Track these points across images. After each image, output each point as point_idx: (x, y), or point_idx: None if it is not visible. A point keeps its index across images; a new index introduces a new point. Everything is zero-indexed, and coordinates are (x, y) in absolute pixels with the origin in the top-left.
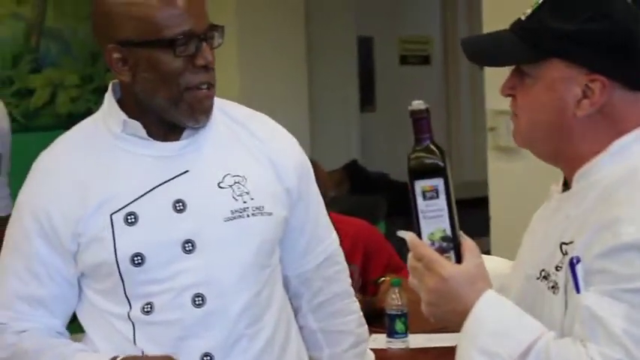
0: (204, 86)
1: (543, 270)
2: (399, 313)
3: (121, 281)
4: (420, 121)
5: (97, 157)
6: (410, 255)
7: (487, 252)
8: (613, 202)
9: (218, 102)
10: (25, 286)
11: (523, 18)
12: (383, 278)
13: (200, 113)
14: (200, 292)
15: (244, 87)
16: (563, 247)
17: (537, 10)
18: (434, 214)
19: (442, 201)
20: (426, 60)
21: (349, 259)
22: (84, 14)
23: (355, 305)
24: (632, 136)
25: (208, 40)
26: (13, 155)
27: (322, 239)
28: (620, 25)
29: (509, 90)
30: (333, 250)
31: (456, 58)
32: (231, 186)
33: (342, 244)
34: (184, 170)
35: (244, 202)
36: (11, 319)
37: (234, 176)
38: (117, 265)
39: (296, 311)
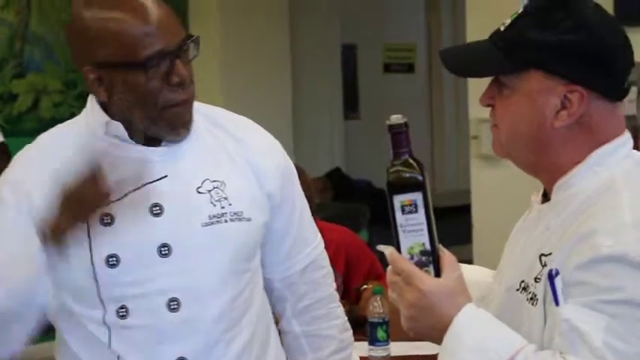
0: (182, 102)
1: (523, 281)
2: (381, 320)
3: (95, 282)
4: (398, 135)
5: (77, 156)
6: (389, 269)
7: (469, 260)
8: (591, 214)
9: (201, 107)
10: None
11: (502, 28)
12: (365, 286)
13: (180, 127)
14: (175, 296)
15: (227, 94)
16: (543, 258)
17: (516, 21)
18: (413, 229)
19: (421, 215)
20: (409, 68)
21: (332, 267)
22: (68, 20)
23: (340, 310)
24: (611, 147)
25: (182, 55)
26: None
27: (307, 243)
28: (598, 37)
29: (488, 100)
30: (319, 254)
31: (440, 67)
32: (209, 191)
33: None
34: (163, 175)
35: (222, 208)
36: None
37: (213, 181)
38: (92, 264)
39: (280, 316)
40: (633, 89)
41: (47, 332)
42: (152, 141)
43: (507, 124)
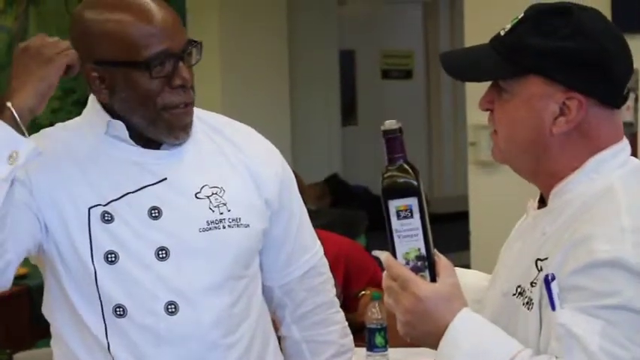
0: (182, 105)
1: (519, 286)
2: (379, 327)
3: (94, 277)
4: (393, 140)
5: (80, 154)
6: (385, 274)
7: (467, 267)
8: (588, 219)
9: (200, 113)
10: None
11: (502, 33)
12: (363, 292)
13: (179, 131)
14: (173, 300)
15: (225, 100)
16: (539, 263)
17: (516, 26)
18: (408, 234)
19: (416, 220)
20: (407, 74)
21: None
22: (66, 26)
23: (339, 315)
24: (608, 154)
25: (185, 59)
26: None
27: (306, 249)
28: (597, 44)
29: (487, 104)
30: (318, 261)
31: (438, 73)
32: (208, 197)
33: None
34: (163, 178)
35: (221, 214)
36: None
37: (212, 187)
38: (91, 258)
39: (279, 322)
40: (631, 96)
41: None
42: (152, 144)
43: (506, 129)
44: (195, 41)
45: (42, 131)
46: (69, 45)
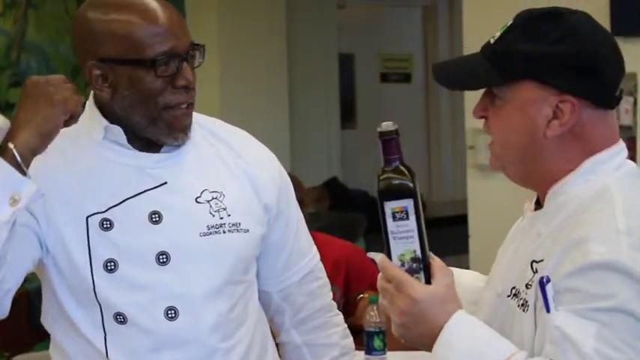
0: (183, 106)
1: (514, 288)
2: (378, 330)
3: (92, 286)
4: (389, 141)
5: (76, 162)
6: (380, 276)
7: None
8: (583, 221)
9: (199, 117)
10: None
11: (492, 41)
12: (362, 295)
13: (179, 131)
14: (173, 305)
15: (224, 103)
16: (534, 265)
17: (506, 33)
18: (404, 235)
19: (412, 222)
20: (406, 78)
21: (331, 281)
22: (65, 29)
23: (338, 318)
24: (604, 156)
25: (189, 60)
26: None
27: (304, 254)
28: (587, 46)
29: (482, 112)
30: (315, 265)
31: None
32: (208, 201)
33: (323, 265)
34: (163, 182)
35: (221, 218)
36: None
37: (212, 192)
38: (90, 267)
39: (279, 328)
40: (629, 99)
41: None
42: (151, 148)
43: (500, 135)
44: (198, 44)
45: None
46: (76, 89)
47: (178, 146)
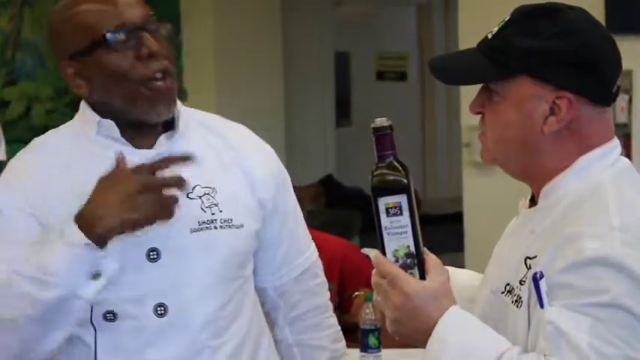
0: (159, 75)
1: (508, 284)
2: (373, 327)
3: None
4: (382, 137)
5: (70, 160)
6: (374, 272)
7: (461, 267)
8: (577, 217)
9: (195, 113)
10: None
11: (489, 36)
12: (357, 292)
13: (160, 105)
14: (163, 302)
15: (221, 100)
16: (528, 261)
17: (503, 29)
18: (397, 231)
19: (406, 218)
20: (402, 76)
21: (327, 278)
22: None
23: (332, 320)
24: (599, 152)
25: (150, 30)
26: None
27: (301, 251)
28: (584, 42)
29: (478, 108)
30: (312, 263)
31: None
32: (200, 197)
33: None
34: None
35: (212, 214)
36: None
37: (205, 187)
38: None
39: (273, 324)
40: (625, 97)
41: None
42: (144, 145)
43: (496, 130)
44: (157, 17)
45: (33, 142)
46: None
47: (160, 120)
